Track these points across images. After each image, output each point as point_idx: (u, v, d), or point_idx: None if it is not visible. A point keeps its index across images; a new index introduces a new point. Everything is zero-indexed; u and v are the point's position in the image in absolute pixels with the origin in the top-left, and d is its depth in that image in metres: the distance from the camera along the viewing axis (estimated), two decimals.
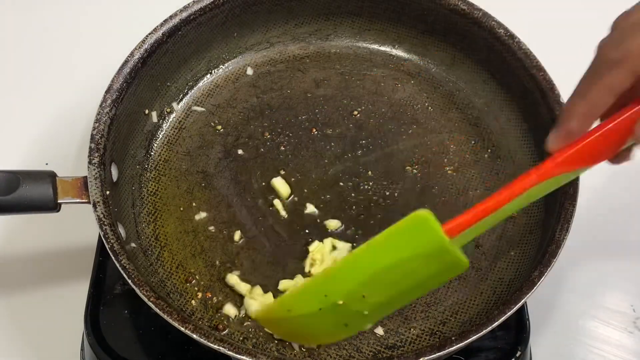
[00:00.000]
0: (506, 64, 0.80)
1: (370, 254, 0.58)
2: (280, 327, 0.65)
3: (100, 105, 0.73)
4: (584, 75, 0.53)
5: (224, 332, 0.69)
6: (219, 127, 0.83)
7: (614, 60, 0.50)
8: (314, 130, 0.83)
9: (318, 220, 0.76)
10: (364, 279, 0.58)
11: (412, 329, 0.70)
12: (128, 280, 0.63)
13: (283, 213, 0.77)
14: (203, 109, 0.85)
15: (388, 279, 0.57)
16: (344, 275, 0.59)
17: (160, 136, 0.82)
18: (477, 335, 0.61)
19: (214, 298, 0.72)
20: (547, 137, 0.56)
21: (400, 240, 0.56)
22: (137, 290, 0.63)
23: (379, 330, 0.70)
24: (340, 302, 0.58)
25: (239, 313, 0.71)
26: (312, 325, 0.62)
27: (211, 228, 0.76)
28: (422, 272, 0.57)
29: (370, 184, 0.79)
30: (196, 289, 0.72)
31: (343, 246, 0.74)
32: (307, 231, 0.76)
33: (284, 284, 0.72)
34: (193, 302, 0.71)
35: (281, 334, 0.67)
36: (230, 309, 0.71)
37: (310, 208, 0.77)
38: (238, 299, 0.71)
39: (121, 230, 0.70)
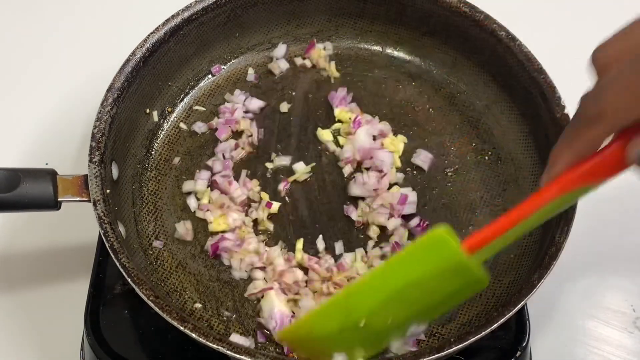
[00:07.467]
0: (507, 66, 0.80)
1: (389, 272, 0.58)
2: (304, 347, 0.65)
3: (102, 104, 0.73)
4: (570, 124, 0.54)
5: (222, 331, 0.70)
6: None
7: (593, 116, 0.51)
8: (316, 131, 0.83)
9: (317, 225, 0.76)
10: (384, 297, 0.58)
11: None
12: (127, 278, 0.63)
13: None
14: (204, 109, 0.85)
15: (408, 297, 0.57)
16: (364, 294, 0.59)
17: (161, 135, 0.82)
18: (476, 338, 0.61)
19: (213, 299, 0.72)
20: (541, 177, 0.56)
21: (420, 258, 0.56)
22: (137, 289, 0.63)
23: None
24: (362, 323, 0.58)
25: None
26: (335, 345, 0.61)
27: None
28: (443, 289, 0.57)
29: None
30: (195, 289, 0.72)
31: None
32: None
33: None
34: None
35: (306, 354, 0.65)
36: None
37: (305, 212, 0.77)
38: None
39: (121, 229, 0.70)
